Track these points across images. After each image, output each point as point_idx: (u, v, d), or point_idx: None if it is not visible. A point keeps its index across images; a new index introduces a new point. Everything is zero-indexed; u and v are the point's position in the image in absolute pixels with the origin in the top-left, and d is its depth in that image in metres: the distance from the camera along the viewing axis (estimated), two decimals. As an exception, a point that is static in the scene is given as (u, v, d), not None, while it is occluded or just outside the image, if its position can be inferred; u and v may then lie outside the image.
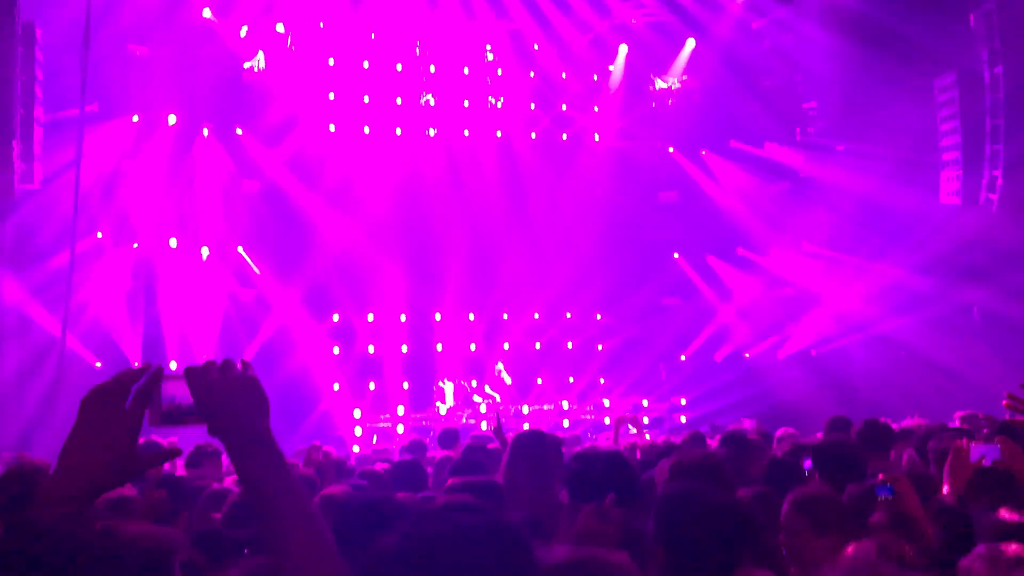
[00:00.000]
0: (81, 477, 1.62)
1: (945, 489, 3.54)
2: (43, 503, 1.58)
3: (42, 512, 1.57)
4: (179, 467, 6.39)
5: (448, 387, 15.68)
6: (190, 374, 1.74)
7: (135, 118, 14.33)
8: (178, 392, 1.99)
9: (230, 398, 1.72)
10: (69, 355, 12.24)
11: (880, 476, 3.49)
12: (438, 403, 15.58)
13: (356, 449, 13.91)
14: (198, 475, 6.04)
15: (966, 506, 3.53)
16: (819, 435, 6.81)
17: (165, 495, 4.27)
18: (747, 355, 16.73)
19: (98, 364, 13.45)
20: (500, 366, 15.92)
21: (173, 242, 14.71)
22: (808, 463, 5.53)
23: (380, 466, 6.18)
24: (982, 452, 3.63)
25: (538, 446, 4.11)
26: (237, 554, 3.37)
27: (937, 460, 4.47)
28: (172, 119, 14.72)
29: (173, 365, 14.27)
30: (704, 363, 16.78)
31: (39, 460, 5.38)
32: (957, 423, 7.18)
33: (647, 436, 8.23)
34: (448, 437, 8.52)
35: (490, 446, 6.10)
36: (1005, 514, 3.31)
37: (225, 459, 6.40)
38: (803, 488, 3.58)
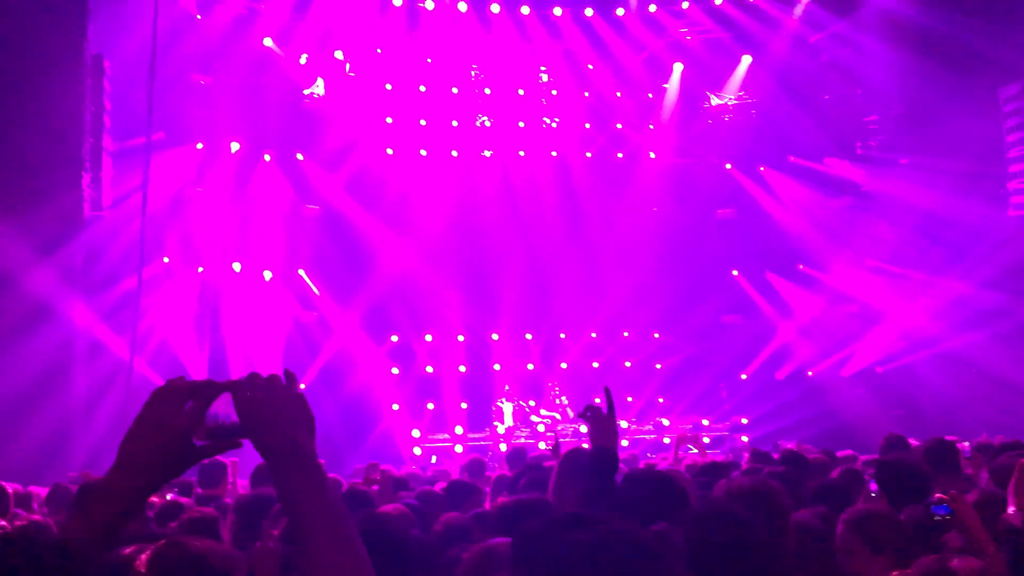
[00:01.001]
0: (135, 469, 1.64)
1: (1010, 508, 3.44)
2: (97, 498, 1.60)
3: (96, 509, 1.60)
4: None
5: (507, 407, 15.67)
6: (235, 388, 1.74)
7: (199, 145, 14.71)
8: (225, 410, 2.05)
9: (274, 414, 1.75)
10: (137, 378, 12.53)
11: (937, 495, 3.41)
12: (496, 423, 15.58)
13: (433, 459, 14.04)
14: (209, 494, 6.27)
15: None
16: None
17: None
18: (810, 373, 16.43)
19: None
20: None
21: (237, 266, 15.01)
22: (874, 485, 5.41)
23: (439, 485, 6.21)
24: None
25: (588, 464, 4.11)
26: None
27: (1003, 478, 4.32)
28: (235, 146, 15.07)
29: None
30: (766, 382, 16.51)
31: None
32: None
33: (706, 455, 8.12)
34: (516, 456, 8.50)
35: (547, 464, 6.08)
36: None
37: (230, 475, 6.66)
38: (858, 507, 3.51)
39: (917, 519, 3.53)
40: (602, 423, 3.17)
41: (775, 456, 7.62)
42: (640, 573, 1.51)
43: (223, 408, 1.85)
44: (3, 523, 5.30)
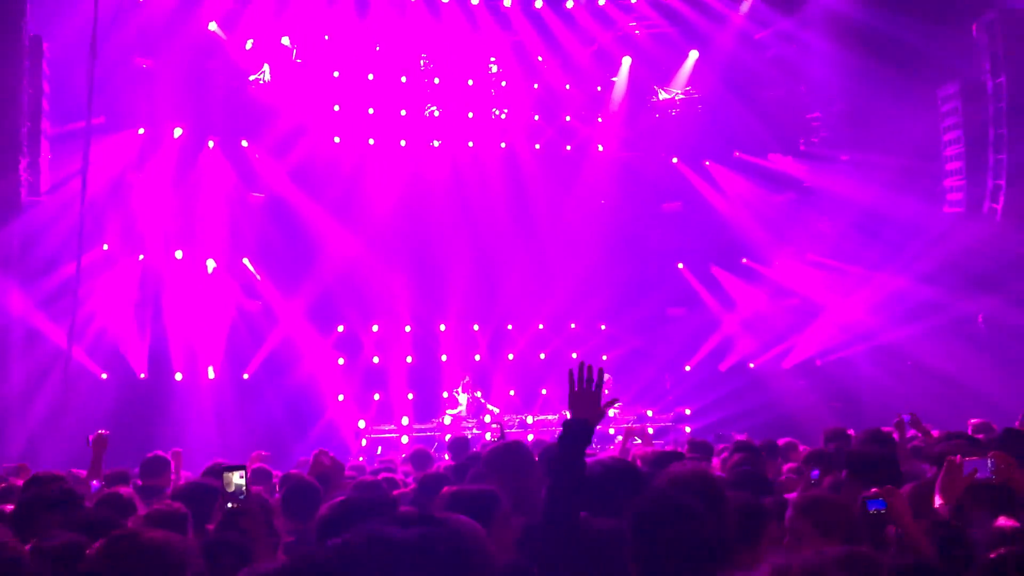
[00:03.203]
0: None
1: (938, 502, 3.55)
2: None
3: None
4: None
5: (463, 397, 15.67)
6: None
7: (141, 131, 14.43)
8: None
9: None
10: (75, 367, 12.29)
11: (873, 489, 3.51)
12: (448, 411, 15.57)
13: (379, 450, 14.01)
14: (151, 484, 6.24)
15: (960, 520, 3.53)
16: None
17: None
18: (752, 365, 16.72)
19: (104, 376, 13.51)
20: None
21: (179, 254, 14.77)
22: (815, 473, 5.55)
23: (382, 475, 6.20)
24: (975, 465, 3.65)
25: (512, 458, 4.19)
26: None
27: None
28: (178, 132, 14.80)
29: (178, 376, 14.33)
30: (709, 373, 16.76)
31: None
32: (969, 431, 7.18)
33: (652, 445, 8.22)
34: (459, 446, 8.54)
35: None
36: (1003, 521, 3.32)
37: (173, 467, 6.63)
38: (809, 492, 3.59)
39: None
40: (584, 397, 3.19)
41: (718, 447, 7.76)
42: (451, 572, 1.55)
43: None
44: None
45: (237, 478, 3.48)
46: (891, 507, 3.40)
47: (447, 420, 15.26)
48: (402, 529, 1.63)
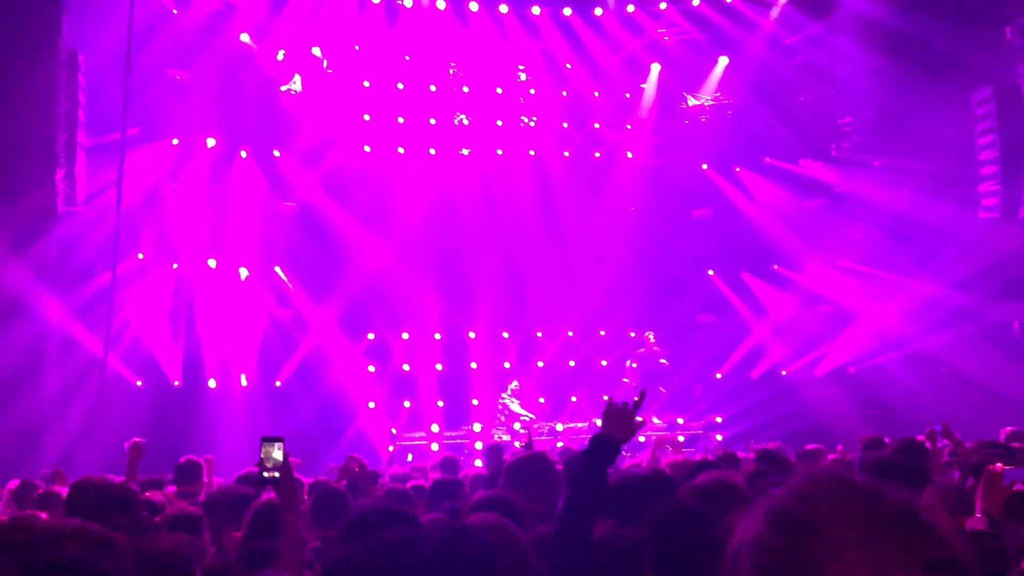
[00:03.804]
0: None
1: (978, 512, 3.50)
2: None
3: None
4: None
5: (514, 402, 15.68)
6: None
7: (175, 141, 14.62)
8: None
9: None
10: (111, 374, 12.46)
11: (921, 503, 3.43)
12: (500, 417, 15.53)
13: (409, 457, 14.05)
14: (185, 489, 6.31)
15: (999, 529, 3.48)
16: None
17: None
18: (784, 373, 16.58)
19: (139, 383, 13.68)
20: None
21: (212, 262, 14.94)
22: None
23: (411, 483, 6.23)
24: (1012, 476, 3.59)
25: (532, 470, 4.20)
26: None
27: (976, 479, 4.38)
28: (211, 142, 14.99)
29: (212, 383, 14.48)
30: (740, 381, 16.63)
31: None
32: (1002, 439, 7.08)
33: (681, 453, 8.18)
34: (493, 452, 8.54)
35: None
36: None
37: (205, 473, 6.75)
38: None
39: None
40: (618, 415, 3.17)
41: (749, 456, 7.69)
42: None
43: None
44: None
45: (276, 450, 3.53)
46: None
47: (516, 426, 15.22)
48: (429, 533, 1.68)
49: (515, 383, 15.93)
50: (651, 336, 16.44)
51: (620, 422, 3.15)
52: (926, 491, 4.03)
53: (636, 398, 3.21)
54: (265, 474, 3.50)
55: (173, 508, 4.32)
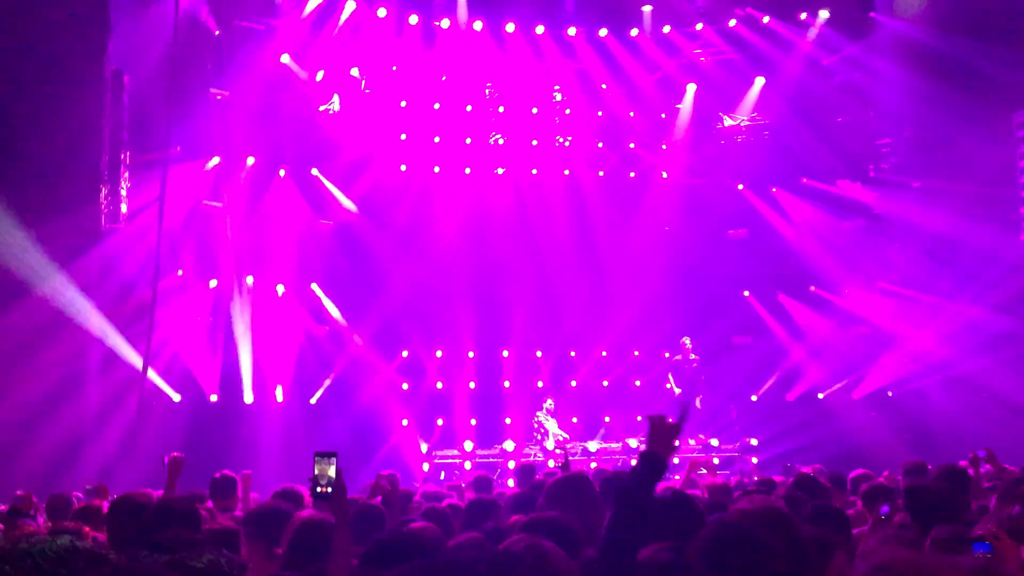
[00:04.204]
0: None
1: None
2: None
3: None
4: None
5: (551, 422, 15.62)
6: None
7: (216, 159, 14.83)
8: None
9: None
10: (150, 390, 12.63)
11: (978, 531, 3.35)
12: (538, 437, 15.47)
13: (442, 475, 14.05)
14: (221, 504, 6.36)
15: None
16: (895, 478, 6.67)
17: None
18: (821, 396, 16.39)
19: (177, 398, 13.84)
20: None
21: (250, 280, 15.10)
22: (886, 508, 5.40)
23: (447, 502, 6.23)
24: None
25: (573, 491, 4.19)
26: None
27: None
28: (251, 160, 15.19)
29: (249, 399, 14.60)
30: (776, 403, 16.47)
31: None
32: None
33: (716, 475, 8.13)
34: (526, 473, 8.50)
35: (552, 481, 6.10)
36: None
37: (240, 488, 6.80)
38: (886, 548, 3.49)
39: (943, 540, 3.52)
40: (663, 431, 3.13)
41: (788, 480, 7.60)
42: None
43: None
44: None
45: (330, 466, 3.54)
46: (999, 551, 3.23)
47: (550, 444, 15.14)
48: (476, 554, 1.72)
49: (550, 402, 15.87)
50: (688, 341, 16.27)
51: (665, 438, 3.12)
52: (984, 520, 3.96)
53: (681, 413, 3.18)
54: (319, 489, 3.51)
55: (212, 524, 4.36)
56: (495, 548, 1.66)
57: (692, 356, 15.86)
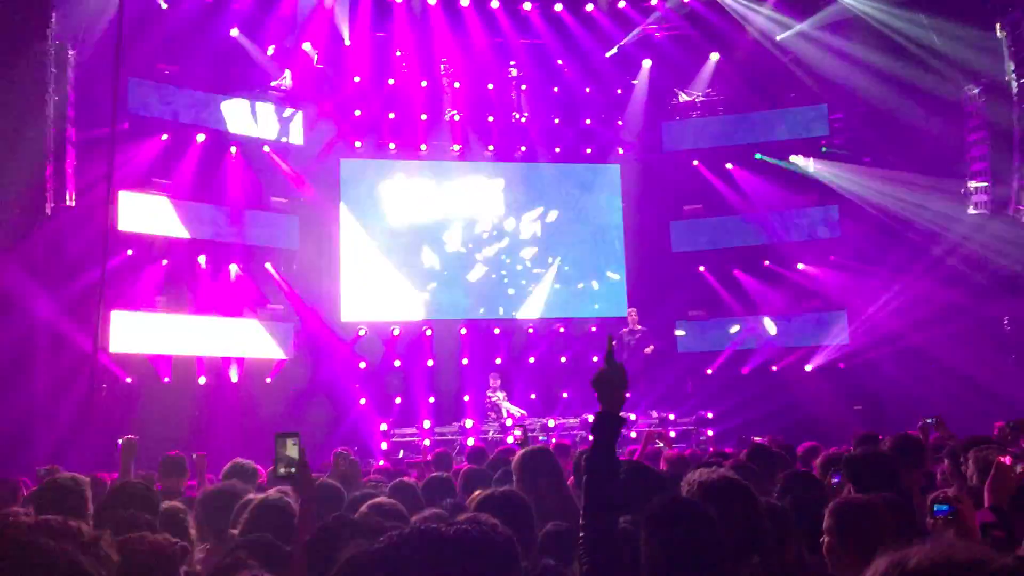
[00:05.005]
0: None
1: (986, 504, 3.50)
2: None
3: None
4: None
5: (499, 395, 15.58)
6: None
7: (164, 136, 14.52)
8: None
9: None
10: (101, 371, 12.39)
11: (940, 494, 3.40)
12: (493, 415, 15.41)
13: (401, 453, 14.01)
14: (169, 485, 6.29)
15: (1007, 521, 3.48)
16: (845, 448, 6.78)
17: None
18: (774, 368, 16.63)
19: (129, 380, 13.62)
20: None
21: (202, 259, 14.87)
22: (837, 477, 5.49)
23: (413, 475, 6.23)
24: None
25: (540, 462, 4.19)
26: None
27: (980, 473, 4.36)
28: (200, 137, 14.90)
29: (202, 380, 14.42)
30: (731, 377, 16.67)
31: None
32: (996, 433, 7.10)
33: (672, 448, 8.19)
34: (477, 456, 8.50)
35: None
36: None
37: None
38: (846, 498, 3.54)
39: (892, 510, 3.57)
40: (607, 386, 3.03)
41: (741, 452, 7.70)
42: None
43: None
44: None
45: (291, 446, 3.48)
46: (959, 513, 3.29)
47: (508, 422, 15.08)
48: (447, 526, 1.72)
49: (496, 378, 15.86)
50: (634, 313, 16.27)
51: (611, 392, 3.01)
52: (953, 488, 4.02)
53: (607, 352, 3.07)
54: (281, 471, 3.45)
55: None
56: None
57: (637, 327, 15.83)
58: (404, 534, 1.68)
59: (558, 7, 16.62)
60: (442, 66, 17.03)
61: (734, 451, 8.93)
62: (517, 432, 7.88)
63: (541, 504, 3.57)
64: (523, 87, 17.51)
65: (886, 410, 14.58)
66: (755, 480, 4.13)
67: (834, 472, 5.50)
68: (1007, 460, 3.59)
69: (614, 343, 3.17)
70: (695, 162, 17.78)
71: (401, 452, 14.57)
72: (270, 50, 15.59)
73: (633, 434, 14.23)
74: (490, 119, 17.51)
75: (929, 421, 6.95)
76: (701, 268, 17.54)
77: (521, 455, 4.39)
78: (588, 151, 18.07)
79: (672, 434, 13.75)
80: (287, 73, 15.85)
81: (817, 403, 14.90)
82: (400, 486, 5.03)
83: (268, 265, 15.68)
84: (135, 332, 13.75)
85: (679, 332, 16.94)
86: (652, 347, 15.57)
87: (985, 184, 13.48)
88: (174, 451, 6.90)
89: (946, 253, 14.04)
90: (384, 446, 14.85)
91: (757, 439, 9.89)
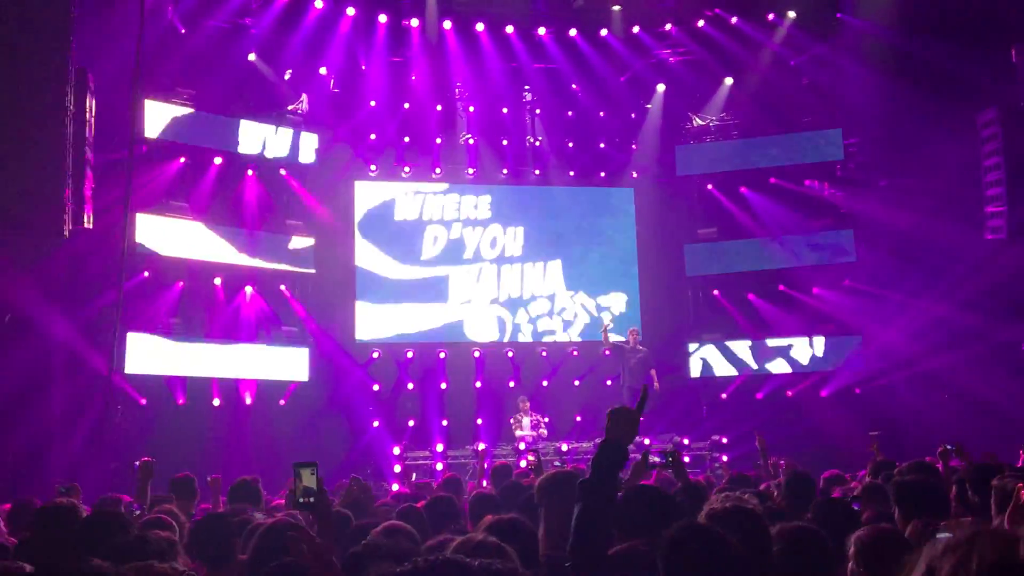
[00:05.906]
0: None
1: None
2: None
3: None
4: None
5: (525, 421, 15.47)
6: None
7: (182, 159, 14.64)
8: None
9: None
10: (116, 393, 12.44)
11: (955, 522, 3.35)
12: (518, 434, 15.26)
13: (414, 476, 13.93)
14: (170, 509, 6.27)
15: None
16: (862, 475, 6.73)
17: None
18: (789, 393, 16.52)
19: (144, 401, 13.66)
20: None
21: (218, 280, 14.94)
22: (856, 506, 5.44)
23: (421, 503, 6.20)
24: None
25: (564, 487, 4.16)
26: None
27: (1000, 501, 4.30)
28: (218, 160, 15.02)
29: (216, 402, 14.45)
30: (746, 401, 16.57)
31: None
32: (1021, 462, 7.04)
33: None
34: (500, 473, 8.43)
35: (525, 482, 6.09)
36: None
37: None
38: (871, 527, 3.51)
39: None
40: (622, 418, 3.09)
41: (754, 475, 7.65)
42: None
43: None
44: None
45: (309, 475, 3.47)
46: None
47: (522, 445, 14.96)
48: (472, 558, 1.73)
49: (524, 399, 15.74)
50: (637, 332, 16.04)
51: (625, 425, 3.08)
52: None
53: (640, 399, 3.15)
54: (301, 500, 3.44)
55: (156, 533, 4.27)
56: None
57: (640, 348, 15.63)
58: (432, 561, 1.68)
59: (572, 32, 16.71)
60: (457, 90, 17.13)
61: (754, 474, 8.81)
62: (531, 457, 7.84)
63: (565, 529, 3.55)
64: (537, 111, 17.57)
65: (902, 436, 14.45)
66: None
67: (852, 500, 5.46)
68: None
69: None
70: (709, 186, 17.77)
71: (414, 475, 14.50)
72: (287, 74, 15.73)
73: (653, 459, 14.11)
74: (504, 143, 17.58)
75: (949, 447, 6.89)
76: (715, 292, 17.49)
77: (548, 478, 4.33)
78: (602, 175, 18.10)
79: (686, 459, 13.64)
80: (304, 97, 15.98)
81: (833, 429, 14.78)
82: (407, 511, 5.01)
83: (283, 287, 15.73)
84: (150, 354, 13.82)
85: (697, 356, 16.82)
86: (654, 369, 15.42)
87: (1001, 209, 13.41)
88: (182, 473, 6.91)
89: (962, 278, 13.96)
90: (397, 469, 14.80)
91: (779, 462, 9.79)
